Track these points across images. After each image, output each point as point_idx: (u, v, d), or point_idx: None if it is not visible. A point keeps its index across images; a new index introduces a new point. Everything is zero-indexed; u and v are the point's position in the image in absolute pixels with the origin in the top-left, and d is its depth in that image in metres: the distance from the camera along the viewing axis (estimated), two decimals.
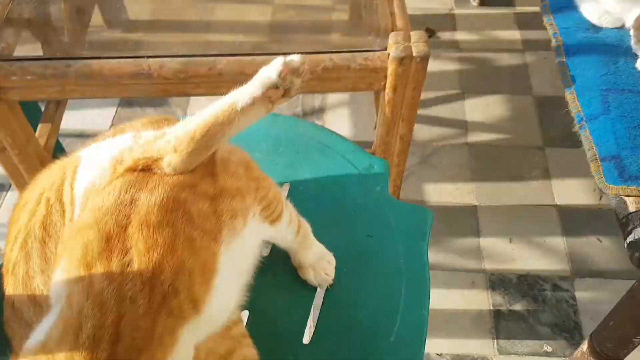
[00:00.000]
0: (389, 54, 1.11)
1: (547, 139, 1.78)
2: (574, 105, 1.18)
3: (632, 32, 1.21)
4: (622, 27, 1.29)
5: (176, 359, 0.50)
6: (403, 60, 1.10)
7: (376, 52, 1.14)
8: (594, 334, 1.22)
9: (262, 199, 0.67)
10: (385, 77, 1.15)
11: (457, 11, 2.18)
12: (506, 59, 2.02)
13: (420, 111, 1.87)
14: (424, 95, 1.90)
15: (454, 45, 2.06)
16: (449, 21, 2.14)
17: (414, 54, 1.11)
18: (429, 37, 2.07)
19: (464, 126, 1.84)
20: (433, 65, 1.99)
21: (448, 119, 1.87)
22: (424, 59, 1.13)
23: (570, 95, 1.20)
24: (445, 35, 2.09)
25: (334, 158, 1.00)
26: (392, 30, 1.16)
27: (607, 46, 1.25)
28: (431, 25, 2.11)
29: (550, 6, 1.35)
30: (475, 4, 2.19)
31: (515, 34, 2.09)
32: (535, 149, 1.77)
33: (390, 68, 1.12)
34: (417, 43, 1.13)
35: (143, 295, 0.49)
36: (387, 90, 1.17)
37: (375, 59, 1.13)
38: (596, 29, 1.30)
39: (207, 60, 1.10)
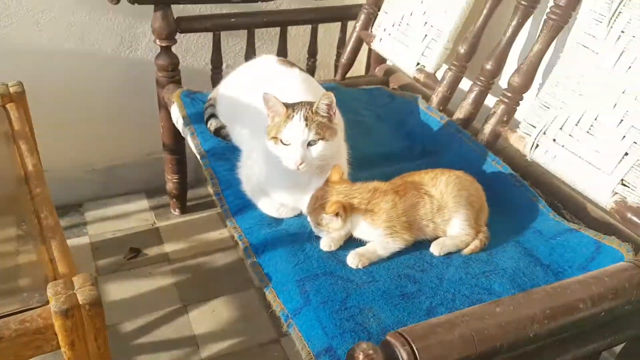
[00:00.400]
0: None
1: (279, 330, 1.72)
2: (276, 303, 1.13)
3: (309, 218, 1.26)
4: (300, 214, 1.35)
5: None
6: (69, 312, 0.93)
7: (36, 309, 0.95)
8: None
9: None
10: (56, 335, 0.95)
11: (160, 224, 2.12)
12: (221, 259, 1.99)
13: (142, 339, 1.67)
14: (143, 320, 1.73)
15: (165, 258, 1.96)
16: (154, 235, 2.06)
17: (80, 302, 0.95)
18: (134, 256, 1.95)
19: (193, 342, 1.68)
20: (146, 285, 1.84)
21: (174, 339, 1.69)
22: (95, 305, 0.97)
23: (270, 295, 1.15)
24: (153, 251, 1.99)
25: None
26: (55, 279, 0.99)
27: (292, 236, 1.27)
28: (135, 244, 2.00)
29: (230, 210, 1.35)
30: (177, 213, 2.17)
31: (223, 232, 2.10)
32: (271, 343, 1.70)
33: (57, 324, 0.93)
34: (83, 289, 0.97)
35: None
36: (63, 349, 0.96)
37: (35, 318, 0.93)
38: (278, 221, 1.33)
39: None
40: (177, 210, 2.17)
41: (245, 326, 1.74)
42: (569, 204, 1.45)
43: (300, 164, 1.22)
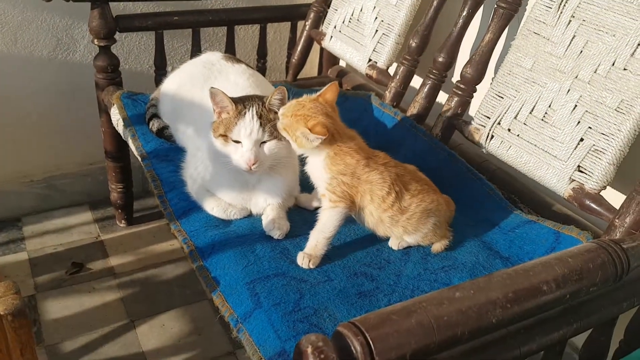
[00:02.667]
0: None
1: (234, 342, 1.63)
2: (225, 308, 1.05)
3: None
4: (250, 216, 1.27)
5: None
6: None
7: None
8: None
9: None
10: None
11: (104, 237, 2.00)
12: (171, 270, 1.88)
13: (85, 358, 1.55)
14: (86, 337, 1.61)
15: (110, 272, 1.84)
16: (98, 249, 1.94)
17: (2, 313, 0.85)
18: (77, 271, 1.83)
19: (141, 359, 1.56)
20: (89, 301, 1.72)
21: (121, 356, 1.58)
22: (19, 315, 0.87)
23: (218, 299, 1.07)
24: (97, 265, 1.87)
25: None
26: None
27: (241, 237, 1.20)
28: (78, 259, 1.87)
29: (174, 213, 1.26)
30: (122, 225, 2.05)
31: (173, 243, 1.99)
32: (225, 356, 1.60)
33: None
34: (4, 298, 0.87)
35: None
36: None
37: None
38: (226, 223, 1.25)
39: None
40: (123, 222, 2.05)
41: (198, 340, 1.64)
42: (525, 198, 1.42)
43: (253, 164, 1.14)
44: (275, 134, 1.15)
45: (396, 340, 0.59)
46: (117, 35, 1.79)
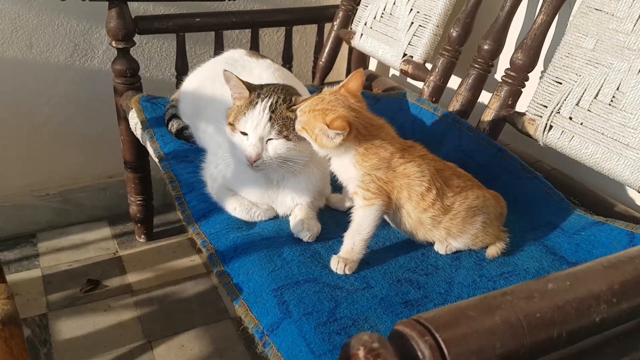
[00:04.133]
0: None
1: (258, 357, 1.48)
2: (249, 318, 0.90)
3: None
4: (276, 217, 1.13)
5: None
6: None
7: None
8: None
9: None
10: None
11: (122, 252, 1.87)
12: (191, 288, 1.74)
13: None
14: (100, 359, 1.48)
15: (127, 290, 1.71)
16: (116, 265, 1.81)
17: None
18: (92, 289, 1.70)
19: None
20: (104, 320, 1.59)
21: None
22: (10, 323, 0.75)
23: (240, 309, 0.92)
24: (114, 282, 1.74)
25: None
26: None
27: (267, 239, 1.05)
28: (94, 275, 1.75)
29: (193, 215, 1.13)
30: (142, 240, 1.93)
31: (194, 259, 1.86)
32: None
33: None
34: None
35: None
36: None
37: None
38: (250, 225, 1.11)
39: None
40: (142, 237, 1.93)
41: None
42: (587, 200, 1.25)
43: (254, 161, 1.01)
44: (285, 134, 1.01)
45: (476, 342, 0.44)
46: (138, 42, 1.69)
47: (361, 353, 0.41)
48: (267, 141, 1.02)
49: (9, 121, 1.77)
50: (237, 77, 1.05)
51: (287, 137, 1.01)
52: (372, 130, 1.00)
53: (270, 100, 1.02)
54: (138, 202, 1.85)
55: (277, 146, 1.01)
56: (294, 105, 1.02)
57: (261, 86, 1.07)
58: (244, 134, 1.03)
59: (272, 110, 1.01)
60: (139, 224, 1.91)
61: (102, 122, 1.89)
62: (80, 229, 1.97)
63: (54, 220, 1.95)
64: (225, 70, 1.05)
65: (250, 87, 1.05)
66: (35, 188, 1.90)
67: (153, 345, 1.53)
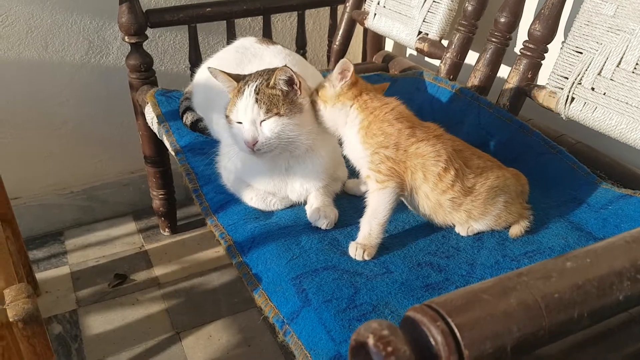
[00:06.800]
0: None
1: (287, 353, 1.48)
2: (269, 308, 0.90)
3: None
4: (293, 206, 1.12)
5: None
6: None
7: None
8: None
9: None
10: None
11: (148, 246, 1.89)
12: (217, 278, 1.75)
13: None
14: (130, 352, 1.49)
15: (154, 283, 1.73)
16: (142, 259, 1.83)
17: (11, 319, 0.73)
18: (120, 283, 1.72)
19: None
20: (133, 314, 1.61)
21: None
22: (31, 322, 0.75)
23: (260, 298, 0.92)
24: (141, 276, 1.76)
25: None
26: None
27: (284, 229, 1.05)
28: (121, 270, 1.77)
29: (210, 207, 1.13)
30: (167, 233, 1.94)
31: (219, 250, 1.87)
32: None
33: None
34: (15, 302, 0.75)
35: None
36: None
37: None
38: (267, 214, 1.10)
39: None
40: (167, 230, 1.94)
41: (247, 351, 1.50)
42: (615, 173, 1.21)
43: (253, 145, 1.00)
44: (275, 111, 1.00)
45: (491, 327, 0.42)
46: (151, 36, 1.69)
47: (371, 341, 0.40)
48: (260, 123, 1.01)
49: (30, 123, 1.79)
50: (221, 71, 1.06)
51: (278, 114, 1.00)
52: (377, 96, 1.02)
53: (255, 83, 1.02)
54: (160, 196, 1.86)
55: (270, 125, 1.01)
56: (274, 82, 1.02)
57: (248, 75, 1.07)
58: (240, 123, 1.02)
59: (257, 92, 1.01)
60: (162, 218, 1.92)
61: (120, 118, 1.90)
62: (105, 225, 2.00)
63: (80, 218, 1.98)
64: (209, 67, 1.07)
65: (237, 78, 1.06)
66: (59, 187, 1.92)
67: (181, 337, 1.54)
